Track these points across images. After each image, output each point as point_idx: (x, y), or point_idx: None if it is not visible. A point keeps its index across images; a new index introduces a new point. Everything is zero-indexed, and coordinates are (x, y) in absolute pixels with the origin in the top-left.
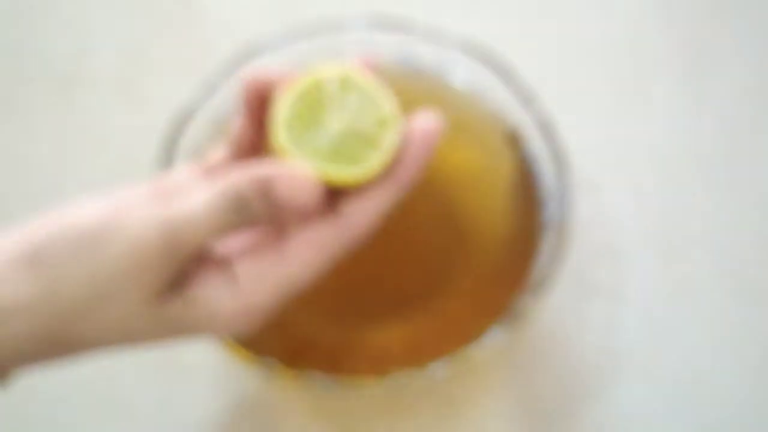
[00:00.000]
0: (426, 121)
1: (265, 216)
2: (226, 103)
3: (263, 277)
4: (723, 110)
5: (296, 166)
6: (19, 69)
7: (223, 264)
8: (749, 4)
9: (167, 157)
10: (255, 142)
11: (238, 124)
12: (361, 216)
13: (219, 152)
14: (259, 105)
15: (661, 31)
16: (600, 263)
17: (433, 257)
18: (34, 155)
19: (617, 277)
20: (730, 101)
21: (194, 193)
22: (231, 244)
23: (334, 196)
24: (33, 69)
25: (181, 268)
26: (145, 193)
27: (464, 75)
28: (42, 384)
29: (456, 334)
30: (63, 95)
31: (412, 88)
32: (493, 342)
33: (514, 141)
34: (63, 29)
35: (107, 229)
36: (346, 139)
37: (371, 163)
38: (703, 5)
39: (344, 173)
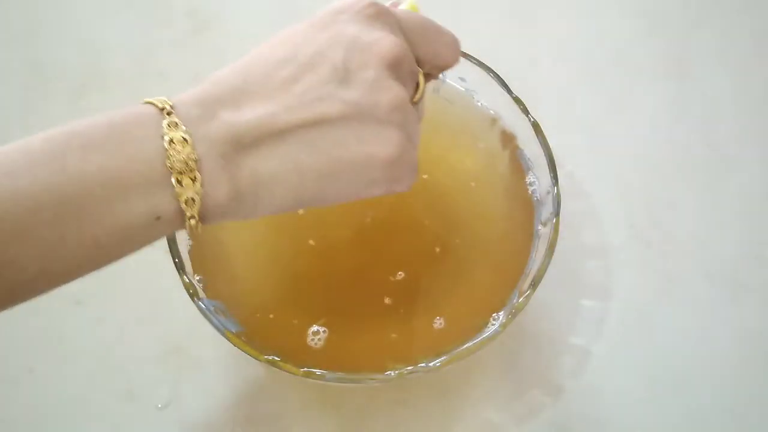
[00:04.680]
0: None
1: None
2: None
3: None
4: (704, 114)
5: None
6: (37, 77)
7: None
8: (729, 13)
9: None
10: None
11: None
12: None
13: None
14: None
15: (645, 39)
16: (588, 260)
17: (431, 256)
18: None
19: (605, 273)
20: (710, 105)
21: None
22: None
23: None
24: (50, 77)
25: None
26: None
27: (459, 78)
28: (53, 378)
29: (453, 330)
30: (78, 101)
31: None
32: (488, 336)
33: (507, 142)
34: (78, 40)
35: None
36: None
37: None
38: (684, 15)
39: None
